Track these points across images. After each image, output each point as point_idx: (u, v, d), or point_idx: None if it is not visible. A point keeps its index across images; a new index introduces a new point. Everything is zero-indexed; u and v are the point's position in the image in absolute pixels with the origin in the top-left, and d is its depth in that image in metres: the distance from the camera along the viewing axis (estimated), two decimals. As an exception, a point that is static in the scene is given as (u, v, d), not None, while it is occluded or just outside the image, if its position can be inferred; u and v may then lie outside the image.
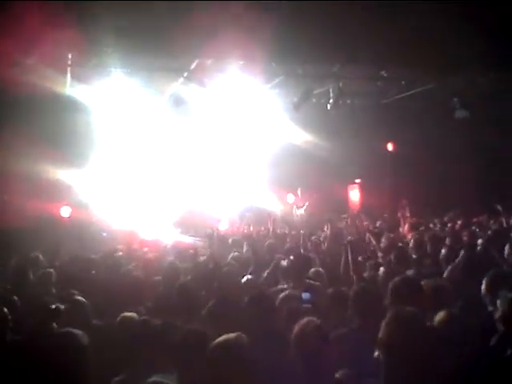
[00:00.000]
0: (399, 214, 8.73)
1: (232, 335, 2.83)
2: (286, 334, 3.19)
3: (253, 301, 3.80)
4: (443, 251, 5.62)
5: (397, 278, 3.88)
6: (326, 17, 8.27)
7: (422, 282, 3.98)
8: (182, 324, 3.43)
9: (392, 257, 5.48)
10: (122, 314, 3.89)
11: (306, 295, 4.38)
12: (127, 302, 4.41)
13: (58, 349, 2.80)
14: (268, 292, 4.42)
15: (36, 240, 7.81)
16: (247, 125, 11.88)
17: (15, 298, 4.18)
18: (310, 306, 4.11)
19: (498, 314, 3.32)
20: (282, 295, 4.23)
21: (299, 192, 13.02)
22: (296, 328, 3.08)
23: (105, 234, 10.35)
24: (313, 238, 7.76)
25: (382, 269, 5.16)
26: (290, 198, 13.69)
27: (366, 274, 5.15)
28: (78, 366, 2.77)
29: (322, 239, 7.69)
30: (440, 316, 3.32)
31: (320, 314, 3.61)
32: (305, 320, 3.11)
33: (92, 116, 10.40)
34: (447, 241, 6.25)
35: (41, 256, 6.14)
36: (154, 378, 2.92)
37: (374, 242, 6.57)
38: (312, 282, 4.82)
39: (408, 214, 8.73)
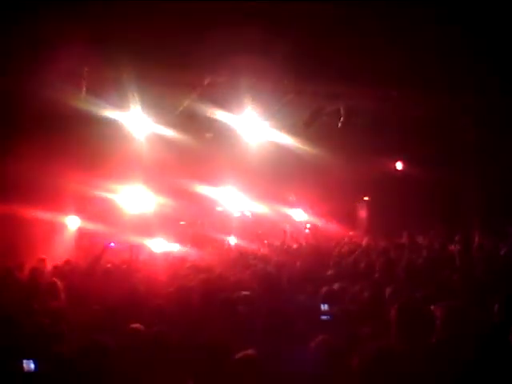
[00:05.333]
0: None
1: (250, 351, 2.87)
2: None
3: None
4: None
5: (402, 302, 3.57)
6: (337, 37, 8.39)
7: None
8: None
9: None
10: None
11: (324, 306, 4.08)
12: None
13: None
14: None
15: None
16: (257, 140, 11.93)
17: None
18: (329, 317, 3.88)
19: None
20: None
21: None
22: (312, 346, 3.08)
23: (112, 245, 10.44)
24: None
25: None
26: (299, 214, 13.73)
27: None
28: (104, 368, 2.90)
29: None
30: None
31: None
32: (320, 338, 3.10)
33: (108, 130, 10.56)
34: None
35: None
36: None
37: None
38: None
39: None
